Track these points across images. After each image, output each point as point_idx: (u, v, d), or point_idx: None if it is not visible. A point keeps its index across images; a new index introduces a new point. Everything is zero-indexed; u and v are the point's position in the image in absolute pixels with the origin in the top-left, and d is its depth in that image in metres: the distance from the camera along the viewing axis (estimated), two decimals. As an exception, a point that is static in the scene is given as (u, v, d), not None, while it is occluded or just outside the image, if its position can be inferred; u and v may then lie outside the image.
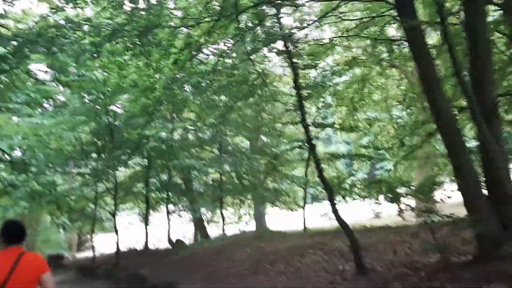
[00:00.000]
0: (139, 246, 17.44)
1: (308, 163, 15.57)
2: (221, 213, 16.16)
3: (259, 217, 21.32)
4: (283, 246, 9.47)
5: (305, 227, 15.27)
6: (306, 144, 7.36)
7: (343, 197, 14.28)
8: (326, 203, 14.82)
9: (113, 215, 13.85)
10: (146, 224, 16.66)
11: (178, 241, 18.50)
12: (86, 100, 12.99)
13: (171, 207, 18.36)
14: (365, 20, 10.73)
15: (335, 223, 14.77)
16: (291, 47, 7.16)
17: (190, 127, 13.49)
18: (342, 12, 10.25)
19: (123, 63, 9.73)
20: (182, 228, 19.53)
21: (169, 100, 10.42)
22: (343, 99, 14.03)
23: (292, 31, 7.22)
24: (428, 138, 12.53)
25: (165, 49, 10.01)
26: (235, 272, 8.20)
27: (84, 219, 18.18)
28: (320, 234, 12.53)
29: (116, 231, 13.29)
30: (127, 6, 8.25)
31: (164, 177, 18.04)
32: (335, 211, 6.55)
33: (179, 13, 8.81)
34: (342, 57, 13.54)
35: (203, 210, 18.69)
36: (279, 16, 7.16)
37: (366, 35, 12.64)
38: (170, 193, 17.55)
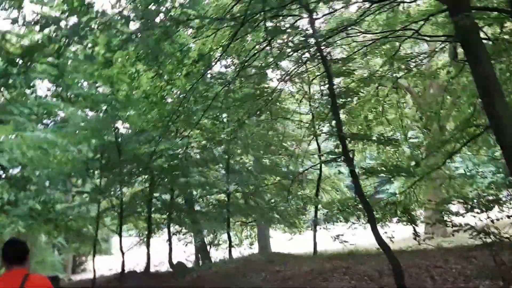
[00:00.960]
0: (139, 269, 16.70)
1: (319, 183, 15.05)
2: (228, 235, 15.44)
3: (263, 240, 20.66)
4: (301, 270, 8.83)
5: (315, 250, 14.64)
6: (342, 157, 6.75)
7: (357, 219, 13.81)
8: (334, 226, 14.40)
9: (119, 235, 13.15)
10: (148, 245, 15.90)
11: (179, 263, 17.77)
12: (90, 115, 12.46)
13: (172, 228, 17.69)
14: (385, 34, 10.42)
15: (347, 246, 14.29)
16: (325, 52, 6.67)
17: (200, 144, 12.87)
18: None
19: (135, 73, 9.23)
20: (183, 251, 18.73)
21: (182, 113, 9.88)
22: (357, 116, 13.56)
23: (328, 34, 6.73)
24: (447, 159, 12.10)
25: (179, 59, 9.58)
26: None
27: (82, 240, 17.44)
28: (334, 257, 11.92)
29: (122, 252, 12.60)
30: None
31: (166, 196, 17.52)
32: (376, 232, 5.95)
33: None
34: (358, 74, 13.18)
35: (205, 232, 18.05)
36: (312, 18, 6.68)
37: (383, 51, 12.40)
38: (172, 214, 16.92)
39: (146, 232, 16.36)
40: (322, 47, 6.56)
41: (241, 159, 16.15)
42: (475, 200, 8.97)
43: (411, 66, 12.65)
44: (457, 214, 5.53)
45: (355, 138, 9.22)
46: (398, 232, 12.92)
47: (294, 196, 15.24)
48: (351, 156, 6.59)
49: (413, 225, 14.21)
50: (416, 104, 17.63)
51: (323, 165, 16.48)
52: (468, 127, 11.60)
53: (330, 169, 19.19)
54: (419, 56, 12.91)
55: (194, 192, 17.93)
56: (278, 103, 12.73)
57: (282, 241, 21.91)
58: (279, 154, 15.86)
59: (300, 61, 7.18)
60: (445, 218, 5.79)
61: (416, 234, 14.09)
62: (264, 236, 20.74)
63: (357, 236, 14.41)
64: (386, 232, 13.51)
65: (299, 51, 7.01)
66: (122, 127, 12.99)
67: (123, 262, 12.36)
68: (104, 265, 20.16)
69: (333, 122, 6.77)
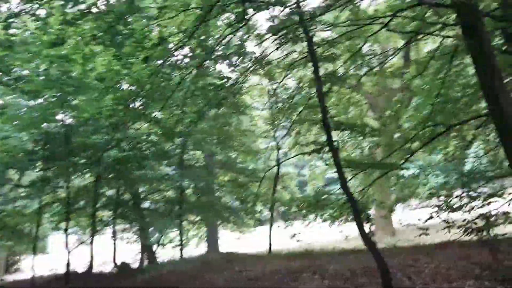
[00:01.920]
0: (80, 269, 15.56)
1: (277, 180, 14.69)
2: (180, 234, 14.70)
3: (212, 239, 20.08)
4: (265, 270, 8.36)
5: (270, 249, 14.29)
6: (327, 147, 6.33)
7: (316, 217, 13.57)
8: (289, 224, 14.12)
9: (65, 232, 12.07)
10: (92, 244, 14.83)
11: (123, 264, 16.81)
12: (33, 103, 11.24)
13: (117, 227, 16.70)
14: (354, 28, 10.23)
15: (303, 245, 14.05)
16: (311, 33, 6.20)
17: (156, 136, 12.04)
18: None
19: (89, 53, 8.34)
20: (128, 251, 17.74)
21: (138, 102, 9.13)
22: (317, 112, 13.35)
23: (317, 11, 6.26)
24: (409, 157, 12.13)
25: (138, 41, 8.83)
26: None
27: (18, 238, 15.99)
28: (293, 256, 11.62)
29: (68, 251, 11.57)
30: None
31: (111, 192, 16.53)
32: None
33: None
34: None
35: (151, 230, 17.18)
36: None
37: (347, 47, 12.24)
38: (118, 211, 15.94)
39: (90, 230, 15.29)
40: (309, 27, 6.11)
41: (195, 154, 15.50)
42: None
43: (375, 65, 12.63)
44: (450, 210, 5.16)
45: (341, 128, 8.86)
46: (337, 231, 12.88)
47: (250, 194, 14.81)
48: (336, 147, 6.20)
49: (370, 224, 14.24)
50: (369, 103, 17.82)
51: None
52: (427, 126, 11.73)
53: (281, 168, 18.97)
54: (383, 53, 12.94)
55: (142, 189, 17.08)
56: (239, 96, 12.20)
57: (229, 241, 21.45)
58: (235, 150, 15.35)
59: (283, 40, 6.65)
60: (436, 215, 5.48)
61: (371, 233, 14.12)
62: (213, 235, 20.19)
63: (309, 235, 14.32)
64: (342, 231, 13.52)
65: (283, 30, 6.50)
66: (67, 116, 11.89)
67: (68, 261, 11.34)
68: (40, 265, 18.73)
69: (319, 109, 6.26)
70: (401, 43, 14.05)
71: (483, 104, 12.52)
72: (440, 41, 11.91)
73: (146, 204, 17.36)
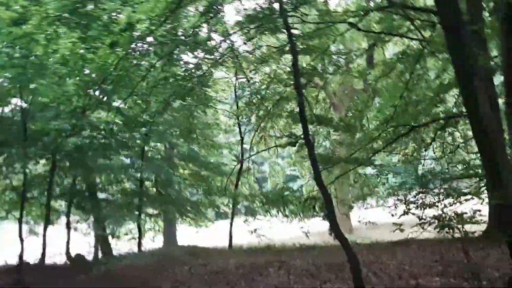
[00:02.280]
0: (32, 260, 14.86)
1: (240, 174, 14.60)
2: (139, 226, 14.32)
3: (169, 233, 19.75)
4: (230, 264, 8.28)
5: (230, 244, 14.22)
6: (301, 141, 6.27)
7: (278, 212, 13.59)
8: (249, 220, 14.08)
9: (19, 220, 11.45)
10: (44, 235, 14.15)
11: (78, 256, 16.22)
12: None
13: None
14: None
15: (263, 241, 14.03)
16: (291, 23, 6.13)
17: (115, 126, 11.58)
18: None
19: (53, 34, 7.91)
20: (83, 243, 17.11)
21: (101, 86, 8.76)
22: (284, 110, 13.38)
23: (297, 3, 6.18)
24: (372, 155, 12.38)
25: (106, 25, 8.49)
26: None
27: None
28: (254, 251, 11.61)
29: (22, 240, 11.01)
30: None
31: (66, 182, 15.90)
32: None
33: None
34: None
35: (107, 222, 16.69)
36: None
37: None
38: (73, 201, 15.34)
39: (44, 220, 14.60)
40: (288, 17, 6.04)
41: (156, 146, 15.11)
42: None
43: (341, 64, 12.80)
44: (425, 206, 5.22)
45: (319, 121, 8.83)
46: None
47: (213, 188, 14.64)
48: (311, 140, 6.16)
49: (331, 222, 14.41)
50: (332, 102, 18.06)
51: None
52: (391, 127, 12.01)
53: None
54: (349, 53, 13.13)
55: (98, 179, 16.54)
56: (205, 88, 12.00)
57: (187, 235, 21.12)
58: (198, 143, 15.10)
59: (259, 30, 6.55)
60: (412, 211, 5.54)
61: (332, 230, 14.29)
62: (171, 229, 19.87)
63: (269, 231, 14.31)
64: (302, 227, 13.62)
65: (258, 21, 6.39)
66: (23, 101, 11.21)
67: (21, 252, 10.76)
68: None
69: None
70: (365, 44, 14.31)
71: (441, 108, 13.00)
72: (406, 44, 12.25)
73: (102, 195, 16.85)
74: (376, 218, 13.22)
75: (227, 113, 15.46)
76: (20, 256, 10.72)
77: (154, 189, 16.05)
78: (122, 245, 18.48)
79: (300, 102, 5.69)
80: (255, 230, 13.48)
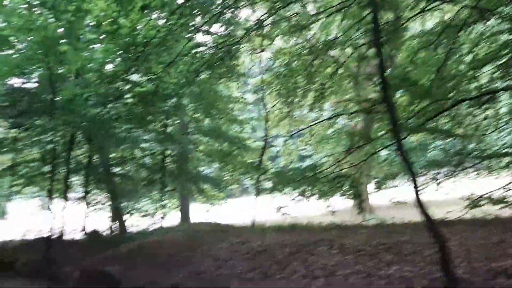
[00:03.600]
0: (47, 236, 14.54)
1: (264, 151, 14.13)
2: (161, 203, 13.90)
3: (184, 211, 19.41)
4: (271, 242, 7.87)
5: (253, 222, 13.84)
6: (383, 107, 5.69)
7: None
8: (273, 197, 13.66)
9: (49, 192, 10.98)
10: (63, 210, 13.77)
11: (94, 231, 15.93)
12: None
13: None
14: None
15: (284, 219, 13.63)
16: None
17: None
18: None
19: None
20: (92, 219, 16.80)
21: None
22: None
23: None
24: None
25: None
26: (232, 274, 6.40)
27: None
28: (283, 230, 11.21)
29: (52, 214, 10.62)
30: None
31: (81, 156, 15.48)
32: (419, 200, 5.06)
33: None
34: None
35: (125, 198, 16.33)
36: None
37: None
38: (89, 176, 14.93)
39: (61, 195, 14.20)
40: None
41: (179, 121, 14.56)
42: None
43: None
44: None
45: (401, 87, 8.16)
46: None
47: (237, 164, 14.17)
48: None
49: (360, 200, 13.99)
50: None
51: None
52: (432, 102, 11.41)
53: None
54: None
55: (115, 154, 16.13)
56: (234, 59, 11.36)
57: (198, 213, 20.74)
58: (220, 118, 14.54)
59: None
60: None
61: (362, 210, 13.90)
62: (185, 206, 19.53)
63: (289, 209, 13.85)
64: (329, 206, 13.21)
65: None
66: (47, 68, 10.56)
67: (51, 226, 10.37)
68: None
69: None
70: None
71: (475, 84, 12.41)
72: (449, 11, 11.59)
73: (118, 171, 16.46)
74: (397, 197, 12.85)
75: (251, 87, 14.87)
76: (50, 231, 10.32)
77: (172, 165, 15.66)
78: (134, 222, 18.25)
79: (380, 61, 5.15)
80: (280, 208, 13.09)
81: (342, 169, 13.25)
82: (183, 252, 8.07)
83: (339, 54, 13.24)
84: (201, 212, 20.01)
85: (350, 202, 13.76)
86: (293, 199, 13.43)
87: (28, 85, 11.24)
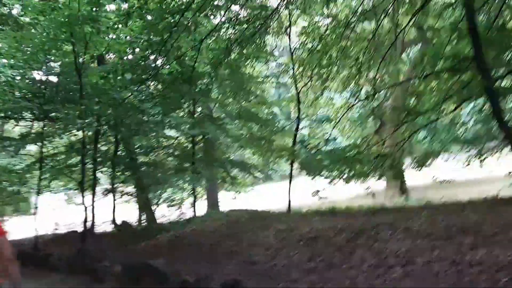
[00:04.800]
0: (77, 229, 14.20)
1: (297, 133, 13.45)
2: (193, 190, 13.35)
3: (212, 199, 18.90)
4: (322, 228, 7.24)
5: (289, 207, 13.24)
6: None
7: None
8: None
9: (81, 185, 10.54)
10: (93, 202, 13.36)
11: (124, 223, 15.58)
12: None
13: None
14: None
15: (325, 203, 12.98)
16: None
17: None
18: None
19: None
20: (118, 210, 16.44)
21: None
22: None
23: None
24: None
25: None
26: (290, 264, 5.80)
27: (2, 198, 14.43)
28: (325, 214, 10.55)
29: (86, 207, 10.17)
30: None
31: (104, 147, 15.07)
32: None
33: None
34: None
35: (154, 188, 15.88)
36: None
37: None
38: (116, 167, 14.49)
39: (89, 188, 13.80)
40: None
41: (206, 103, 13.90)
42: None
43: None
44: None
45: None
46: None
47: (268, 148, 13.50)
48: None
49: (401, 181, 13.17)
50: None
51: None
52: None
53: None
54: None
55: (142, 143, 15.66)
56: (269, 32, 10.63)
57: (227, 201, 20.22)
58: (250, 100, 13.85)
59: None
60: None
61: (404, 190, 13.11)
62: (213, 194, 19.02)
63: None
64: (368, 187, 12.51)
65: None
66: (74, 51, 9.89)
67: (85, 219, 9.95)
68: (24, 226, 17.28)
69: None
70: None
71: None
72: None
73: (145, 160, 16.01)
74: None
75: (279, 67, 14.15)
76: (84, 224, 9.87)
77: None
78: (163, 212, 17.85)
79: (470, 15, 4.43)
80: (317, 191, 12.46)
81: (382, 149, 12.56)
82: (227, 241, 7.51)
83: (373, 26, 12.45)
84: (227, 200, 19.54)
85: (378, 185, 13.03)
86: (331, 181, 12.82)
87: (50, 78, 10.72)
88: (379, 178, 12.71)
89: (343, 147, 12.74)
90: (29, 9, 7.83)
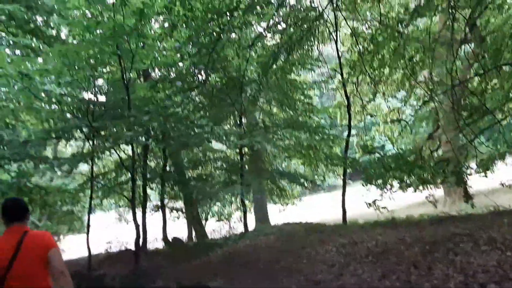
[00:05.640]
0: (130, 247, 14.14)
1: (349, 140, 12.80)
2: (242, 202, 12.94)
3: (261, 212, 18.40)
4: (388, 241, 6.62)
5: (344, 219, 12.54)
6: None
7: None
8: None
9: (132, 203, 10.38)
10: (144, 220, 13.24)
11: (175, 239, 15.43)
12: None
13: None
14: None
15: (381, 213, 12.20)
16: None
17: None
18: None
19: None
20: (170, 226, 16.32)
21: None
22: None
23: None
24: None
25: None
26: (361, 283, 5.23)
27: (59, 217, 14.68)
28: (384, 226, 9.84)
29: (137, 226, 9.99)
30: None
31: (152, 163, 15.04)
32: None
33: None
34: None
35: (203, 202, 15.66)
36: None
37: None
38: (165, 184, 14.38)
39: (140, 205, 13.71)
40: None
41: (253, 113, 13.51)
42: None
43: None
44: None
45: None
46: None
47: (320, 157, 12.90)
48: None
49: (465, 187, 12.21)
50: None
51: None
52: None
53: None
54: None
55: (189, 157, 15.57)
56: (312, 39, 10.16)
57: (274, 214, 19.68)
58: (297, 109, 13.34)
59: None
60: None
61: (469, 197, 12.14)
62: (262, 207, 18.53)
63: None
64: (430, 195, 11.65)
65: None
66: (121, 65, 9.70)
67: (137, 237, 9.76)
68: (76, 245, 17.51)
69: None
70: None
71: None
72: None
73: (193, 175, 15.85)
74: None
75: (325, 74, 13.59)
76: (137, 242, 9.70)
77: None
78: (214, 227, 17.60)
79: None
80: (374, 202, 11.73)
81: (443, 153, 11.70)
82: (286, 258, 7.02)
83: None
84: (274, 213, 19.01)
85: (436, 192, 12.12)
86: (389, 190, 12.04)
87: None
88: (441, 184, 11.91)
89: (403, 152, 11.96)
90: (74, 26, 7.74)
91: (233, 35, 8.38)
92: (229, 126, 13.18)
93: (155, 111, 8.41)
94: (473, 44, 13.53)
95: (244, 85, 9.86)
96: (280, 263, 6.78)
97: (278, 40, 9.20)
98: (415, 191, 11.61)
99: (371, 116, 16.40)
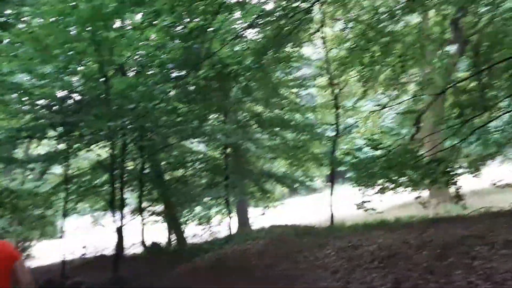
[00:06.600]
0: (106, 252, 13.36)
1: (337, 139, 12.39)
2: (228, 207, 12.37)
3: (242, 215, 17.83)
4: (392, 244, 6.19)
5: (332, 221, 12.12)
6: None
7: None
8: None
9: (115, 206, 9.69)
10: (121, 225, 12.48)
11: (154, 244, 14.71)
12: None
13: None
14: None
15: (368, 216, 11.82)
16: None
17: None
18: None
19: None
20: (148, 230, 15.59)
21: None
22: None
23: None
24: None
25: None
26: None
27: (30, 222, 13.77)
28: (372, 227, 9.46)
29: (119, 231, 9.32)
30: None
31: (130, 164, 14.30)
32: None
33: None
34: None
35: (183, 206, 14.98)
36: None
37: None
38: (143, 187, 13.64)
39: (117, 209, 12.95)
40: None
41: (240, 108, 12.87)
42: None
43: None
44: None
45: None
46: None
47: (307, 156, 12.45)
48: None
49: (456, 188, 11.97)
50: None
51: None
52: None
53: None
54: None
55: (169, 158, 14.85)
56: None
57: (256, 216, 19.13)
58: (283, 108, 12.82)
59: None
60: None
61: (459, 198, 11.88)
62: (243, 211, 17.96)
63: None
64: (418, 197, 11.32)
65: None
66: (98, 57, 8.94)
67: (118, 242, 9.08)
68: (50, 250, 16.66)
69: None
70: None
71: None
72: None
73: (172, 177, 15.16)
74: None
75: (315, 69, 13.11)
76: (118, 247, 9.00)
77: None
78: (193, 232, 16.89)
79: None
80: (363, 203, 11.34)
81: (436, 153, 11.39)
82: (282, 263, 6.50)
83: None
84: (254, 216, 18.47)
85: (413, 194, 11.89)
86: (381, 190, 11.63)
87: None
88: (432, 185, 11.63)
89: (389, 153, 11.61)
90: (47, 14, 7.01)
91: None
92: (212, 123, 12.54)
93: (140, 97, 7.73)
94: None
95: (236, 76, 9.29)
96: (277, 270, 6.26)
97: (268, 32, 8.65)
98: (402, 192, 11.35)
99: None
